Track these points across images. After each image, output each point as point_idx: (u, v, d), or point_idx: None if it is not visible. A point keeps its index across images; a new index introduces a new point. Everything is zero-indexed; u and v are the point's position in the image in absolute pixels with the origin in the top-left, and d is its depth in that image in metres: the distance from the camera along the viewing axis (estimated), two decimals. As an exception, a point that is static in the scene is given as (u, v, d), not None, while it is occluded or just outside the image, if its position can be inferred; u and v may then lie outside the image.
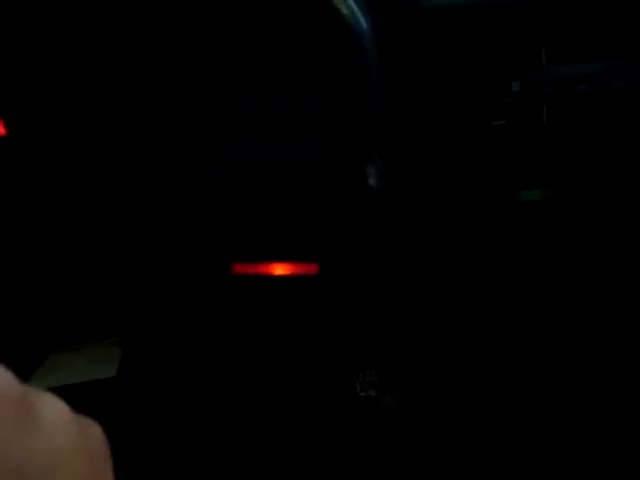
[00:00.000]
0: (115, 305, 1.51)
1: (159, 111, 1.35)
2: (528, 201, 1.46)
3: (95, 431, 0.54)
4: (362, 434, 1.56)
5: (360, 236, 1.41)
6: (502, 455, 1.53)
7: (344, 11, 1.30)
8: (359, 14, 1.31)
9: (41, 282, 1.49)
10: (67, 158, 1.38)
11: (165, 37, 1.33)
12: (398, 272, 1.49)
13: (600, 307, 1.51)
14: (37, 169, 1.39)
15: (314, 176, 1.35)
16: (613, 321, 1.51)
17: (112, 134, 1.37)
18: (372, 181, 1.35)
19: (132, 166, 1.39)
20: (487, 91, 1.43)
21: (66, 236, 1.45)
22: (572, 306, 1.52)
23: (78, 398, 1.51)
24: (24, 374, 0.49)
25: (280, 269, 1.44)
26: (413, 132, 1.43)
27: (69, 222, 1.44)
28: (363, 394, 1.59)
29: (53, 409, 0.50)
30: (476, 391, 1.57)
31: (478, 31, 1.39)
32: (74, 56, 1.34)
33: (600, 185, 1.44)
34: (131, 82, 1.35)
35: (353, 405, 1.58)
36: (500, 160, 1.45)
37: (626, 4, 1.38)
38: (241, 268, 1.44)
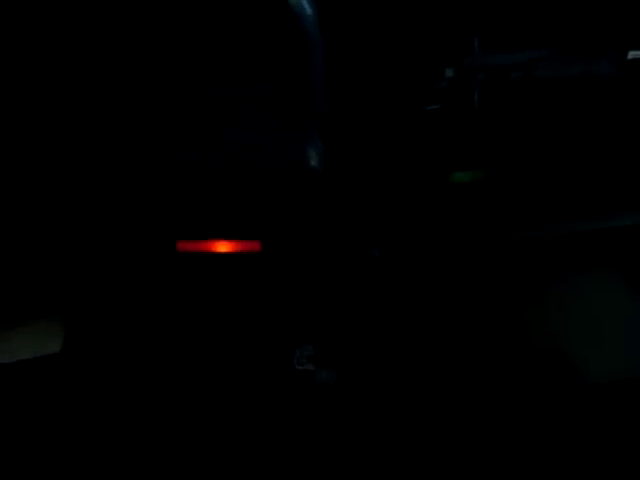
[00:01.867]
0: (58, 281, 1.52)
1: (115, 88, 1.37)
2: (461, 182, 1.52)
3: None
4: (299, 407, 1.61)
5: (301, 215, 1.45)
6: (439, 424, 1.58)
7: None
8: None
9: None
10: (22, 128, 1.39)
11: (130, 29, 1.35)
12: (336, 250, 1.54)
13: (530, 285, 1.59)
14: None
15: (257, 157, 1.39)
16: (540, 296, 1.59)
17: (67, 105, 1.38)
18: (313, 162, 1.39)
19: (83, 142, 1.40)
20: (422, 76, 1.49)
21: (9, 211, 1.45)
22: (505, 283, 1.60)
23: (23, 375, 1.53)
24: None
25: (223, 246, 1.47)
26: (353, 115, 1.48)
27: (13, 198, 1.44)
28: (300, 368, 1.63)
29: None
30: (412, 364, 1.62)
31: (413, 19, 1.45)
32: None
33: (528, 166, 1.52)
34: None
35: (291, 379, 1.62)
36: (434, 143, 1.51)
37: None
38: (185, 245, 1.47)
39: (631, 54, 1.53)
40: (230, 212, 1.46)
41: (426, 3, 1.44)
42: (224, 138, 1.43)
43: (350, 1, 1.42)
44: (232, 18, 1.37)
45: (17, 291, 1.51)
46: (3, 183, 1.45)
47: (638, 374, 1.60)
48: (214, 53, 1.38)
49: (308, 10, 1.36)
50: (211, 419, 1.59)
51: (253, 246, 1.47)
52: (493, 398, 1.60)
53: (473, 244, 1.60)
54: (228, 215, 1.45)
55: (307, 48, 1.36)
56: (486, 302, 1.63)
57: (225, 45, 1.36)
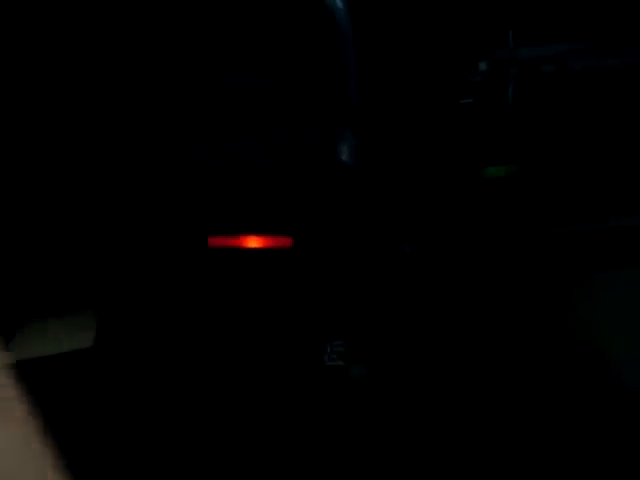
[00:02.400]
0: (91, 277, 1.52)
1: (138, 89, 1.36)
2: (494, 177, 1.51)
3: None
4: (330, 404, 1.60)
5: (333, 210, 1.45)
6: (470, 423, 1.58)
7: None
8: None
9: (15, 254, 1.50)
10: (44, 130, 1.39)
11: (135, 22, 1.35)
12: (367, 245, 1.53)
13: (567, 282, 1.57)
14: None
15: (289, 151, 1.38)
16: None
17: (89, 108, 1.38)
18: (345, 157, 1.39)
19: (112, 143, 1.40)
20: (456, 70, 1.48)
21: (43, 208, 1.46)
22: (537, 278, 1.58)
23: (55, 369, 1.53)
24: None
25: (254, 242, 1.47)
26: (384, 109, 1.47)
27: (47, 195, 1.44)
28: (331, 364, 1.63)
29: None
30: (444, 361, 1.62)
31: (448, 12, 1.44)
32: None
33: (563, 160, 1.50)
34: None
35: (321, 375, 1.62)
36: (467, 137, 1.50)
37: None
38: (217, 241, 1.46)
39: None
40: (262, 207, 1.45)
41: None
42: (256, 131, 1.42)
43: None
44: (262, 9, 1.37)
45: (50, 286, 1.52)
46: (33, 179, 1.46)
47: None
48: (247, 45, 1.38)
49: (339, 3, 1.35)
50: (244, 413, 1.59)
51: (285, 242, 1.47)
52: (526, 394, 1.58)
53: (506, 240, 1.59)
54: (260, 210, 1.45)
55: (338, 41, 1.35)
56: (518, 299, 1.62)
57: (257, 37, 1.36)
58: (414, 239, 1.59)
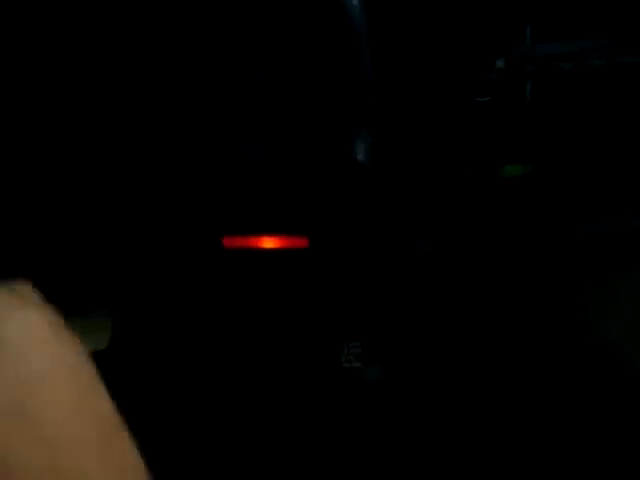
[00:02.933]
0: (104, 277, 1.52)
1: (150, 82, 1.36)
2: (512, 176, 1.49)
3: (77, 346, 0.52)
4: (347, 406, 1.59)
5: (349, 210, 1.44)
6: (488, 428, 1.57)
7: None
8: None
9: (27, 255, 1.50)
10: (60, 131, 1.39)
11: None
12: (385, 245, 1.52)
13: (585, 282, 1.56)
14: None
15: (304, 150, 1.37)
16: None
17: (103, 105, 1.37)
18: (360, 156, 1.37)
19: (122, 141, 1.40)
20: (472, 68, 1.46)
21: (52, 207, 1.45)
22: (555, 278, 1.57)
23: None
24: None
25: (270, 242, 1.46)
26: (400, 108, 1.45)
27: (56, 195, 1.44)
28: (348, 365, 1.62)
29: (20, 330, 0.49)
30: (462, 363, 1.61)
31: (464, 8, 1.42)
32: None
33: (582, 160, 1.48)
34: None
35: (338, 377, 1.61)
36: (484, 136, 1.49)
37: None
38: (231, 241, 1.45)
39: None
40: (277, 207, 1.44)
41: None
42: (270, 130, 1.41)
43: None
44: (276, 7, 1.36)
45: (62, 286, 1.51)
46: (54, 179, 1.45)
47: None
48: (260, 42, 1.37)
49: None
50: (260, 413, 1.58)
51: (301, 242, 1.46)
52: (543, 395, 1.57)
53: (524, 240, 1.57)
54: (275, 210, 1.44)
55: (353, 38, 1.34)
56: (537, 299, 1.61)
57: (270, 34, 1.35)
58: (432, 239, 1.58)
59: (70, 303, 1.45)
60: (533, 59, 1.45)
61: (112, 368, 1.49)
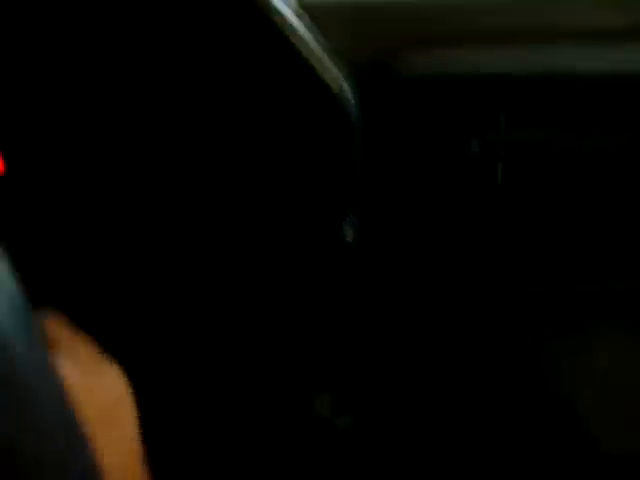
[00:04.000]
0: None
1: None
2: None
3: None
4: (317, 454, 1.66)
5: (335, 296, 1.49)
6: (466, 469, 1.64)
7: (329, 79, 1.36)
8: (343, 82, 1.38)
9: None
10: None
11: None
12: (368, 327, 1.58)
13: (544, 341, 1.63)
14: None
15: (293, 238, 1.42)
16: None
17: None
18: (349, 239, 1.43)
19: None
20: (449, 150, 1.52)
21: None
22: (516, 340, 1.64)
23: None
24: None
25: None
26: (384, 189, 1.51)
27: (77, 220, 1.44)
28: (318, 415, 1.68)
29: None
30: (433, 408, 1.67)
31: (447, 101, 1.48)
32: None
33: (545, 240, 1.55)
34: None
35: (308, 426, 1.67)
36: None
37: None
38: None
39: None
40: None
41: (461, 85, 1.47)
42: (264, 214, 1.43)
43: (387, 81, 1.45)
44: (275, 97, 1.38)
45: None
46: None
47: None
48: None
49: (347, 91, 1.38)
50: (233, 463, 1.64)
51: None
52: (505, 452, 1.65)
53: (484, 299, 1.63)
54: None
55: (349, 129, 1.39)
56: (499, 356, 1.68)
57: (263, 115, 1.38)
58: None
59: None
60: (506, 144, 1.51)
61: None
